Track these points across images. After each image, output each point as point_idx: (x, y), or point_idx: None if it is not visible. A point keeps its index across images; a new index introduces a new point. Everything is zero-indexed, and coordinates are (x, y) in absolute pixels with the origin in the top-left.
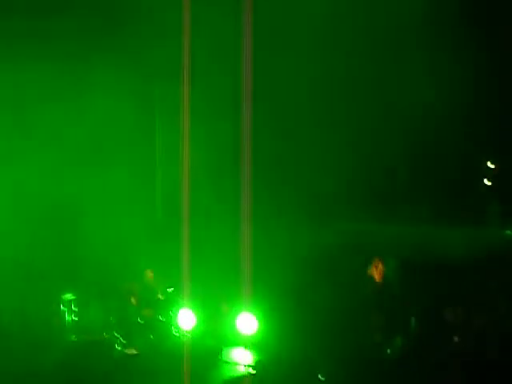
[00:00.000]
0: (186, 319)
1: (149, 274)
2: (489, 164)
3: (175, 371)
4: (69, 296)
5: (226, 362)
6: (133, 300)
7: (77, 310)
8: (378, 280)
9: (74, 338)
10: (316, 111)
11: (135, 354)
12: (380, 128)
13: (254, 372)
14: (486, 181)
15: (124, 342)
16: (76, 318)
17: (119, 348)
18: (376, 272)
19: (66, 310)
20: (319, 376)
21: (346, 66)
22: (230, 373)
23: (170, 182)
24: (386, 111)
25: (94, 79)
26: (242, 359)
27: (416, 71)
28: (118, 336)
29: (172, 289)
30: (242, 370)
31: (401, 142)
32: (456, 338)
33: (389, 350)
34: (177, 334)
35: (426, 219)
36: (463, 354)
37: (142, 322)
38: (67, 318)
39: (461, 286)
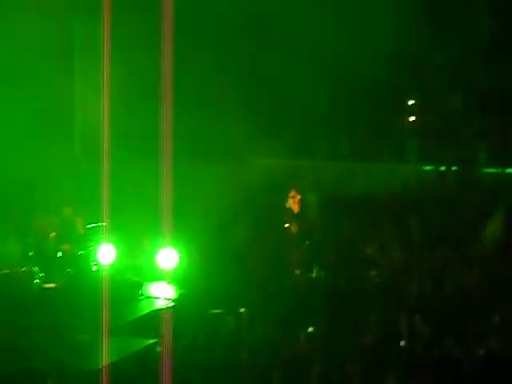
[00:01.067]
0: (105, 254)
1: (67, 209)
2: (409, 101)
3: (94, 305)
4: None
5: (147, 297)
6: (52, 235)
7: None
8: (296, 210)
9: None
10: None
11: (53, 288)
12: (298, 65)
13: (173, 305)
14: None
15: (42, 275)
16: None
17: (38, 281)
18: (293, 202)
19: None
20: (239, 309)
21: None
22: (150, 307)
23: (90, 116)
24: (305, 48)
25: None
26: (163, 293)
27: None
28: (37, 270)
29: (92, 225)
30: (162, 303)
31: (320, 78)
32: (374, 272)
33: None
34: (96, 269)
35: (346, 155)
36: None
37: (61, 256)
38: None
39: (378, 220)
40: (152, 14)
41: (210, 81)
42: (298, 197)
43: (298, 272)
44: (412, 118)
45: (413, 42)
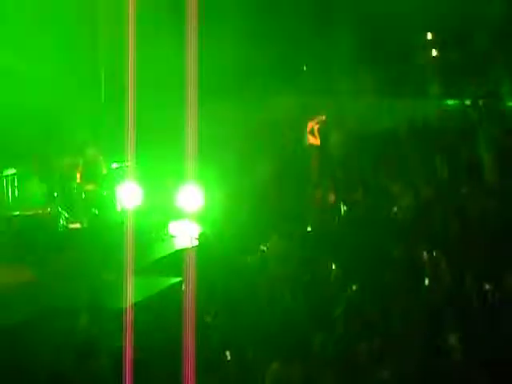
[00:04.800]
0: (129, 194)
1: (91, 150)
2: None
3: (119, 245)
4: (9, 170)
5: (171, 236)
6: (77, 175)
7: (18, 185)
8: (316, 143)
9: (15, 212)
10: None
11: (79, 228)
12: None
13: (197, 243)
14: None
15: (68, 216)
16: (17, 193)
17: (63, 222)
18: (313, 137)
19: (7, 185)
20: (261, 247)
21: None
22: (174, 246)
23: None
24: None
25: None
26: (187, 232)
27: None
28: (62, 210)
29: (116, 165)
30: (186, 242)
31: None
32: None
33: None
34: (121, 209)
35: (369, 90)
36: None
37: (85, 196)
38: (8, 193)
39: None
40: None
41: None
42: (317, 126)
43: (322, 210)
44: (435, 53)
45: None
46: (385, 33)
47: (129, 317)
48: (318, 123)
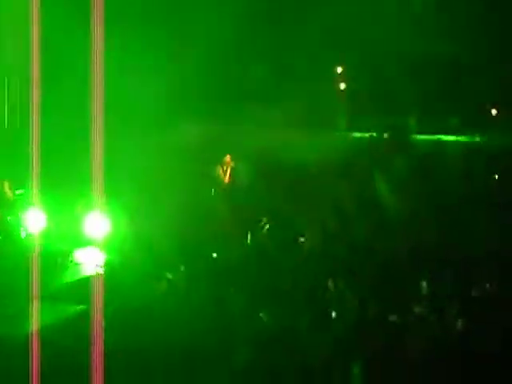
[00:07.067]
0: (34, 220)
1: None
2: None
3: (22, 270)
4: None
5: (76, 263)
6: None
7: None
8: (226, 180)
9: None
10: None
11: None
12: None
13: (102, 272)
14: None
15: None
16: None
17: None
18: (223, 171)
19: None
20: (167, 274)
21: None
22: (80, 273)
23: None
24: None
25: None
26: (93, 260)
27: None
28: None
29: (21, 190)
30: (92, 270)
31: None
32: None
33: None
34: (25, 235)
35: (277, 122)
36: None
37: None
38: None
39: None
40: None
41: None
42: (231, 165)
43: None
44: (343, 86)
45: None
46: (294, 65)
47: (35, 344)
48: (229, 163)
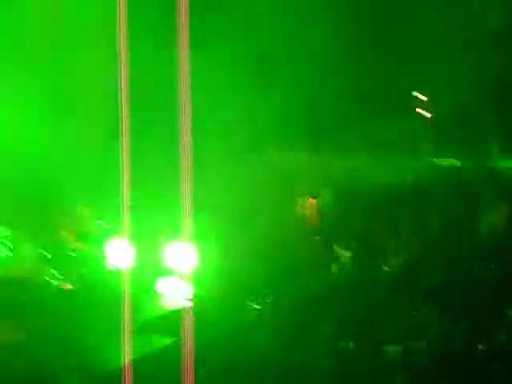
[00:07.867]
0: (119, 251)
1: (80, 207)
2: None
3: (113, 305)
4: (3, 231)
5: (164, 295)
6: (65, 234)
7: (11, 245)
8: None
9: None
10: None
11: (71, 289)
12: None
13: (191, 305)
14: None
15: (59, 277)
16: (10, 254)
17: (55, 283)
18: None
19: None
20: (254, 305)
21: None
22: (167, 306)
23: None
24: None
25: None
26: (180, 292)
27: None
28: (54, 271)
29: (101, 221)
30: (179, 303)
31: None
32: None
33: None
34: (111, 267)
35: (357, 148)
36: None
37: (75, 255)
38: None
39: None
40: None
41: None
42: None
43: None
44: (426, 114)
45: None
46: (376, 85)
47: (126, 377)
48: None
